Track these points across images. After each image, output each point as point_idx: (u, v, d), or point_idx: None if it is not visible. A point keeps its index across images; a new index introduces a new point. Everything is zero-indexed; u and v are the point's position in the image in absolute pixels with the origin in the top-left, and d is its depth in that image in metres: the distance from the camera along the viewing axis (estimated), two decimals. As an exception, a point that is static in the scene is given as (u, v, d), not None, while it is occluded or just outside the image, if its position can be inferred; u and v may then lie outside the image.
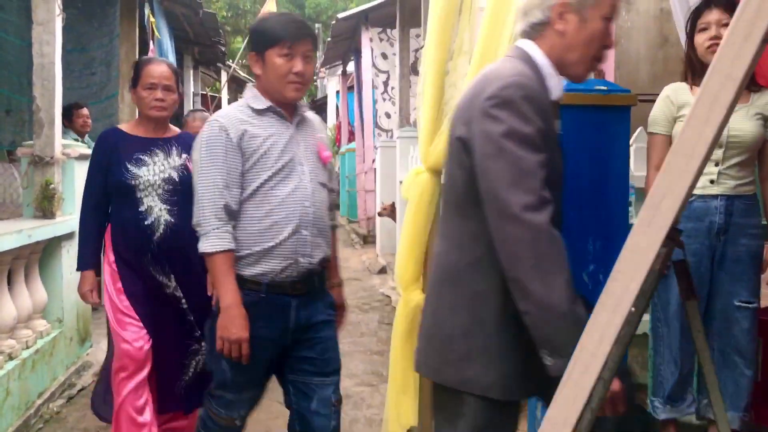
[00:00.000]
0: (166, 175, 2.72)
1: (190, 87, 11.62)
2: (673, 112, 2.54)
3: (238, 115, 2.16)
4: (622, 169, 2.59)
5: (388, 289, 6.78)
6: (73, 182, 4.25)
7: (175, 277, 2.76)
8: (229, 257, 2.09)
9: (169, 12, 8.16)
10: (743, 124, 2.44)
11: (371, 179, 10.26)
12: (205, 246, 2.10)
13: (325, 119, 19.84)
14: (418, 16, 8.33)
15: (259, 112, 2.18)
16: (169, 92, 2.76)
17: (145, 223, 2.68)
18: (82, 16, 7.00)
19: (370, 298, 6.50)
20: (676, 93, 2.56)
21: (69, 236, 4.06)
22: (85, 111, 5.80)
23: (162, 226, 2.69)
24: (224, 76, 14.37)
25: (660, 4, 8.15)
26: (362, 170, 11.17)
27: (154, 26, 7.49)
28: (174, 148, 2.81)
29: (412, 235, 2.82)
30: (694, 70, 2.56)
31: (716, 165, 2.44)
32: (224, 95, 14.19)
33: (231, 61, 15.10)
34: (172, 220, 2.70)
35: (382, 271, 7.64)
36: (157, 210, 2.69)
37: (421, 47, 9.22)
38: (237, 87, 16.55)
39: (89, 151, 4.62)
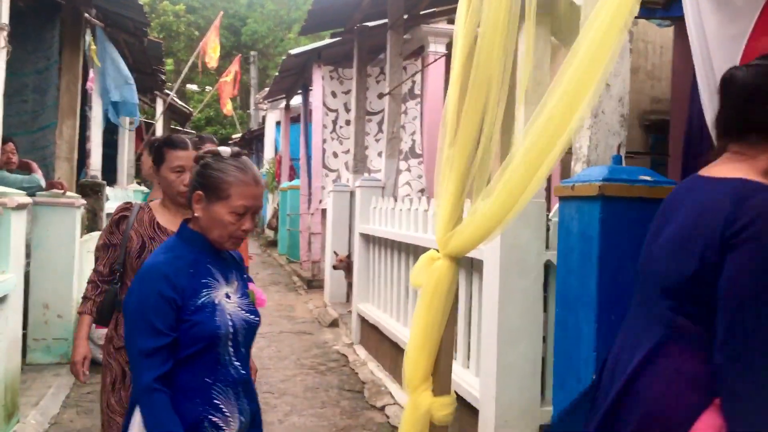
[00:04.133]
0: None
1: (125, 114, 10.95)
2: None
3: None
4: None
5: (343, 346, 6.38)
6: (8, 237, 3.69)
7: None
8: None
9: (112, 39, 7.62)
10: None
11: (318, 221, 9.88)
12: None
13: (261, 151, 19.33)
14: (375, 55, 8.12)
15: None
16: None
17: None
18: (14, 38, 6.40)
19: (325, 356, 6.08)
20: None
21: (-1, 300, 3.52)
22: (10, 146, 5.16)
23: None
24: (160, 104, 13.72)
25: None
26: (306, 210, 10.77)
27: (94, 54, 6.95)
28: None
29: (426, 327, 2.47)
30: None
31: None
32: (159, 124, 13.52)
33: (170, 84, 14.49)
34: None
35: (334, 324, 7.23)
36: None
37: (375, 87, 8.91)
38: (172, 115, 15.87)
39: (28, 200, 4.09)
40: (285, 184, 13.41)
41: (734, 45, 2.94)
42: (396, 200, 5.55)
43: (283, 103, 14.02)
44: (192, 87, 26.14)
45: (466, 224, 2.38)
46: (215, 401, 1.79)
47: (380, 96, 9.65)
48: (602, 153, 2.60)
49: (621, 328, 1.87)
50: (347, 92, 9.77)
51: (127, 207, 2.59)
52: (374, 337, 5.55)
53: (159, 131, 13.45)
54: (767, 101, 1.61)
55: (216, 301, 1.80)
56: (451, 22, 9.66)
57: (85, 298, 2.54)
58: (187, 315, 1.75)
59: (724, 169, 1.65)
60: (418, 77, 9.76)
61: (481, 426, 3.40)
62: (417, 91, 9.85)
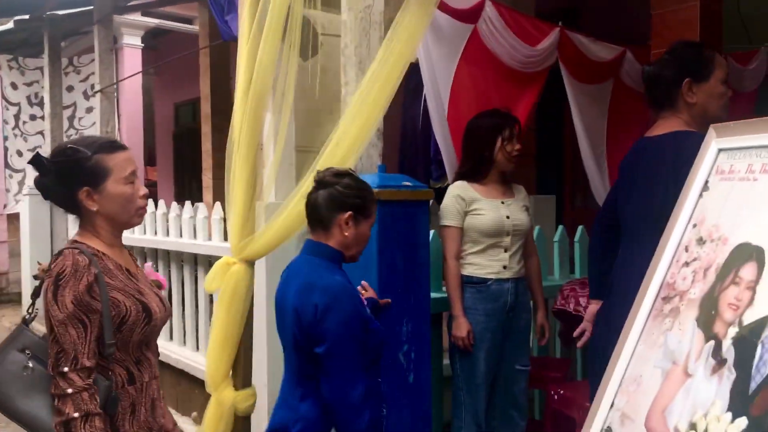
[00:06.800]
0: None
1: None
2: (464, 207, 2.92)
3: None
4: (425, 257, 2.88)
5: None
6: None
7: None
8: None
9: None
10: (520, 215, 2.94)
11: (3, 228, 8.84)
12: None
13: None
14: (74, 46, 7.56)
15: None
16: None
17: None
18: None
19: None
20: (464, 191, 2.94)
21: None
22: None
23: None
24: None
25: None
26: (-15, 216, 9.53)
27: None
28: None
29: (227, 328, 2.67)
30: (479, 171, 2.97)
31: (505, 251, 2.90)
32: None
33: None
34: None
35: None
36: None
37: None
38: None
39: None
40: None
41: (449, 64, 3.61)
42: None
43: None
44: None
45: (266, 229, 2.62)
46: (381, 395, 2.09)
47: (69, 89, 8.99)
48: (365, 162, 3.03)
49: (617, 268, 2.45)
50: (31, 84, 8.88)
51: (84, 258, 1.66)
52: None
53: None
54: (663, 82, 2.35)
55: (369, 310, 2.07)
56: (146, 14, 9.38)
57: (86, 416, 1.59)
58: (370, 325, 1.98)
59: (660, 129, 2.35)
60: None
61: (257, 411, 3.63)
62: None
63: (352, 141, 2.44)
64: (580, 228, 3.98)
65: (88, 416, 1.59)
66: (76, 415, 1.57)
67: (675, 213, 1.61)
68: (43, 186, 1.72)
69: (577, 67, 3.88)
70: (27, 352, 1.69)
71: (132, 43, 9.34)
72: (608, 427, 1.56)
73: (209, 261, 4.29)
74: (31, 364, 1.68)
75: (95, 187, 1.71)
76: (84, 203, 1.72)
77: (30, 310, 1.80)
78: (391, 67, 2.41)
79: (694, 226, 1.53)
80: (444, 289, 3.47)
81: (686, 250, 1.53)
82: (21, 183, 8.83)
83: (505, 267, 2.89)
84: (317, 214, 2.01)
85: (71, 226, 6.07)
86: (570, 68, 3.84)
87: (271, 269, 3.57)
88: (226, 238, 4.18)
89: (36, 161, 1.71)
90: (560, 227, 3.97)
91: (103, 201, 1.72)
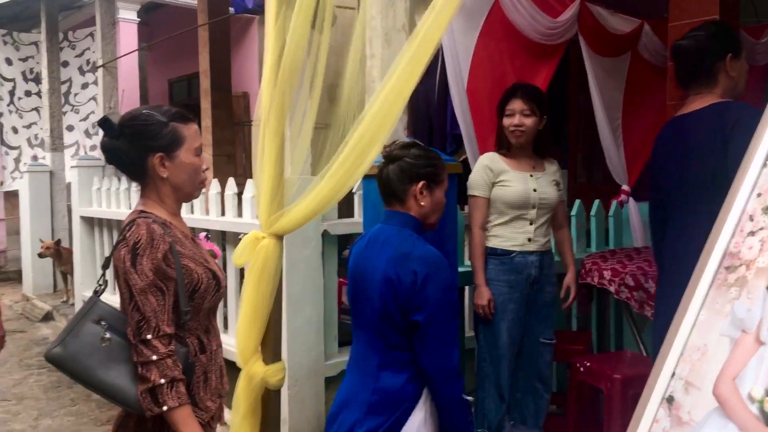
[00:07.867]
0: None
1: None
2: (492, 179, 2.90)
3: None
4: (453, 229, 2.87)
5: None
6: None
7: None
8: None
9: None
10: (547, 188, 2.92)
11: None
12: None
13: None
14: (69, 20, 7.44)
15: None
16: None
17: None
18: None
19: (54, 353, 5.60)
20: (493, 162, 2.92)
21: None
22: None
23: None
24: None
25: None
26: (-20, 194, 9.42)
27: None
28: None
29: (255, 304, 2.63)
30: (502, 143, 2.96)
31: (531, 224, 2.88)
32: None
33: None
34: None
35: (49, 317, 6.61)
36: None
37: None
38: None
39: None
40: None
41: (470, 36, 3.57)
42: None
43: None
44: None
45: (297, 204, 2.59)
46: None
47: (65, 65, 8.87)
48: (392, 136, 3.00)
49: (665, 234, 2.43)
50: (26, 59, 8.76)
51: (158, 227, 1.66)
52: (115, 324, 5.31)
53: None
54: (706, 56, 2.31)
55: None
56: (142, -13, 9.23)
57: (172, 382, 1.60)
58: None
59: (696, 104, 2.32)
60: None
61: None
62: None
63: (385, 115, 2.39)
64: (596, 202, 3.98)
65: (174, 382, 1.60)
66: (162, 381, 1.58)
67: (736, 183, 1.59)
68: (112, 148, 1.70)
69: (596, 39, 3.85)
70: (102, 323, 1.66)
71: (128, 18, 9.19)
72: (670, 395, 1.55)
73: (223, 236, 4.27)
74: (108, 335, 1.64)
75: (169, 153, 1.71)
76: (156, 169, 1.71)
77: (100, 281, 1.78)
78: (427, 38, 2.36)
79: (759, 195, 1.52)
80: (466, 261, 3.47)
81: (751, 219, 1.52)
82: (17, 160, 8.74)
83: (529, 240, 2.88)
84: (391, 188, 2.04)
85: (73, 203, 6.01)
86: (589, 41, 3.81)
87: (289, 244, 3.56)
88: (240, 214, 4.17)
89: (106, 123, 1.69)
90: (578, 201, 3.97)
91: (174, 169, 1.73)
